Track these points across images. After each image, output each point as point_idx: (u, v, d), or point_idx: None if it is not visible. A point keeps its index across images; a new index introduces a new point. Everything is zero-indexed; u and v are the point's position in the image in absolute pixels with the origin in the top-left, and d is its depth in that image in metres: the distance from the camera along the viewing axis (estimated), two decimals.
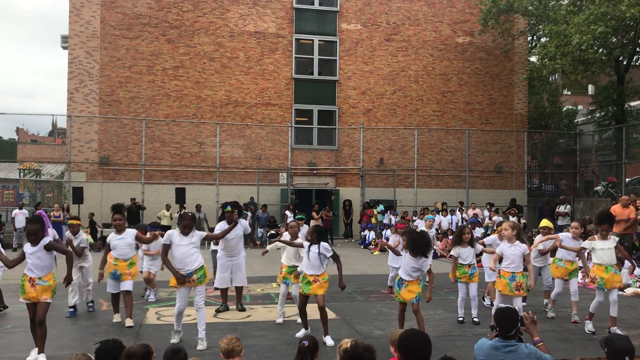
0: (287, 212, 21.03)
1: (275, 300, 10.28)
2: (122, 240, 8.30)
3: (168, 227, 20.37)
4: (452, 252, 8.60)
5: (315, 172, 24.19)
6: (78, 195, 20.23)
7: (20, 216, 19.65)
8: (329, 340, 7.17)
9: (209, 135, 23.13)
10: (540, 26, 26.79)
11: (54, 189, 26.46)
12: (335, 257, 7.32)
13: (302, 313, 7.53)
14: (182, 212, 7.83)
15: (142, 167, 22.20)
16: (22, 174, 27.25)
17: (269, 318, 8.81)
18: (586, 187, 25.50)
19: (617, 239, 8.23)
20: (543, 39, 27.21)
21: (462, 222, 18.71)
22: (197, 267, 7.26)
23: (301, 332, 7.52)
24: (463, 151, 24.70)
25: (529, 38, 29.57)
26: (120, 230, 8.35)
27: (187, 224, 7.34)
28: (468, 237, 8.65)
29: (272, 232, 20.91)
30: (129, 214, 16.64)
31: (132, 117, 22.50)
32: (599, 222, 8.10)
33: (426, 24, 25.19)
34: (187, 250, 7.23)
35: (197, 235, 7.44)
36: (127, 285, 8.30)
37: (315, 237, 7.27)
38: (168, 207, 20.76)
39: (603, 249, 7.92)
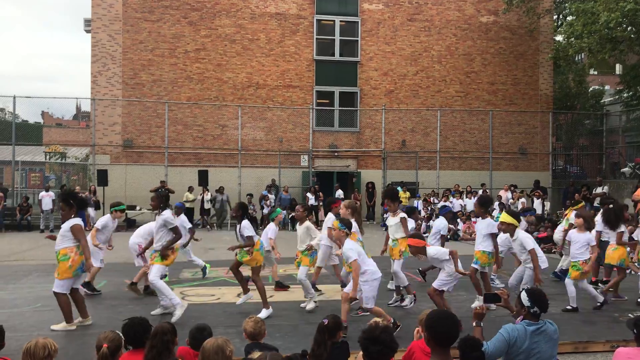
0: (309, 194, 21.14)
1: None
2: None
3: (191, 210, 20.73)
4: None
5: (336, 154, 24.14)
6: (103, 178, 20.54)
7: (46, 198, 20.00)
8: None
9: (230, 117, 23.19)
10: (566, 4, 26.22)
11: (79, 172, 26.90)
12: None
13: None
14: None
15: (166, 149, 22.38)
16: (47, 157, 27.75)
17: (292, 299, 8.88)
18: (612, 169, 25.04)
19: None
20: (569, 17, 26.60)
21: None
22: None
23: None
24: (486, 132, 24.39)
25: (555, 17, 28.89)
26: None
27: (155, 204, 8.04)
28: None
29: (293, 214, 21.04)
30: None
31: (154, 100, 22.65)
32: None
33: (449, 3, 24.75)
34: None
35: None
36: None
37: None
38: (190, 190, 20.98)
39: None
